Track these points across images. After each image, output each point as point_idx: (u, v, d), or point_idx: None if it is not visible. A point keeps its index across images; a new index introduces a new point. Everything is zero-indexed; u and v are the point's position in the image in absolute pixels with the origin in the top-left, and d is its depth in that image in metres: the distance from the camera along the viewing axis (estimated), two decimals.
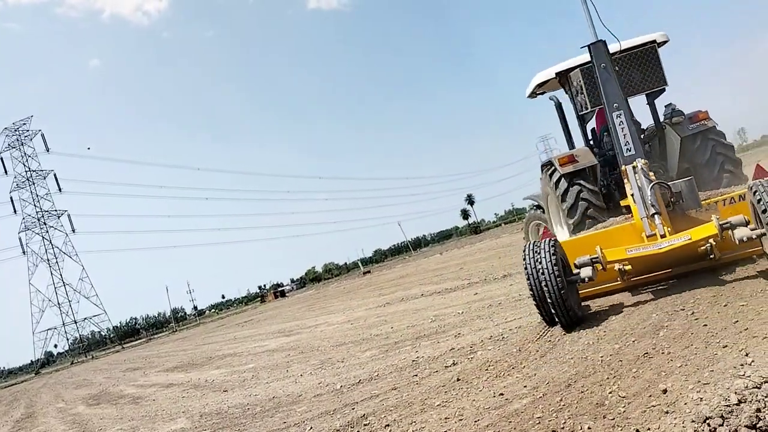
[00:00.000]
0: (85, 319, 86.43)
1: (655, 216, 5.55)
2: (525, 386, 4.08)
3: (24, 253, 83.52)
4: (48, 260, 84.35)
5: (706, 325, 4.23)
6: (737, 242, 4.98)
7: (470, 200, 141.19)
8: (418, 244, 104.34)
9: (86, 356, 74.19)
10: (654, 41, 7.90)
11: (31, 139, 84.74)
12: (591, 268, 5.23)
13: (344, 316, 14.63)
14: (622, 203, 7.24)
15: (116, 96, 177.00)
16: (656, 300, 5.44)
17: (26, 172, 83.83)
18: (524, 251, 5.38)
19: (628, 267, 5.74)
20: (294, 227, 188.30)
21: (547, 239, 5.45)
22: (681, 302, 5.06)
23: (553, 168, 7.94)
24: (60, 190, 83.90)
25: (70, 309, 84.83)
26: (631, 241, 5.66)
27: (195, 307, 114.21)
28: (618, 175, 7.32)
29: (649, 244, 5.39)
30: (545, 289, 5.06)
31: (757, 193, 4.89)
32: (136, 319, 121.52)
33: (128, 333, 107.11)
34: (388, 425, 4.16)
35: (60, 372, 48.61)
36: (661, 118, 8.23)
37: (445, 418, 3.93)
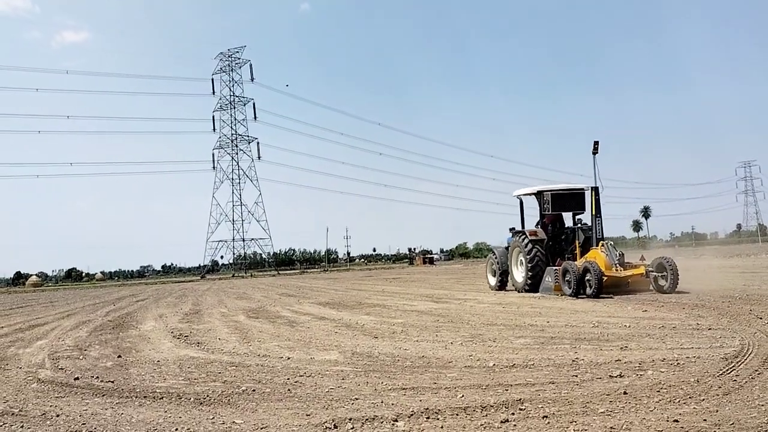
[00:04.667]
0: (252, 239, 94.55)
1: (617, 263, 13.42)
2: (705, 420, 3.78)
3: (214, 168, 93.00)
4: (232, 179, 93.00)
5: None
6: (651, 278, 13.18)
7: (646, 213, 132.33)
8: None
9: (245, 273, 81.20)
10: (583, 189, 15.61)
11: (240, 67, 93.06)
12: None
13: (495, 298, 14.49)
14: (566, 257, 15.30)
15: (318, 41, 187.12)
16: None
17: (230, 96, 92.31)
18: (589, 264, 13.05)
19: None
20: (456, 200, 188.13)
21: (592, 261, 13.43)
22: None
23: (524, 236, 15.67)
24: (255, 118, 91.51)
25: (241, 227, 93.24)
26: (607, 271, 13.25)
27: (348, 253, 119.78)
28: (553, 244, 15.76)
29: (616, 273, 13.31)
30: (594, 275, 12.60)
31: (668, 261, 12.87)
32: (294, 250, 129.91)
33: (284, 262, 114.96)
34: (546, 416, 4.06)
35: (222, 281, 53.64)
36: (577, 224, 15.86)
37: (611, 427, 3.76)
